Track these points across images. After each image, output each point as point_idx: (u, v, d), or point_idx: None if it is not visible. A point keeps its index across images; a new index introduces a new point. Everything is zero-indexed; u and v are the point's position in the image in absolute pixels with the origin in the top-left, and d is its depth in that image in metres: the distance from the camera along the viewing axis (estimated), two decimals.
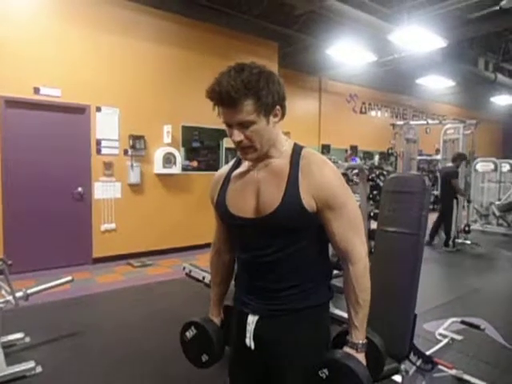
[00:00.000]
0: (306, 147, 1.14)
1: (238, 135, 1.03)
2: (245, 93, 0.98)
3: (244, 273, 1.20)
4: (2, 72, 4.37)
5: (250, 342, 1.15)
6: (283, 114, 1.09)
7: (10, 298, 2.61)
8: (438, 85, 10.15)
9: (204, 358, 1.27)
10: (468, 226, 6.82)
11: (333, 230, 1.08)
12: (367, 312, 1.10)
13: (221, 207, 1.17)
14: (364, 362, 1.07)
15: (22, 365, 2.44)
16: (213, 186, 1.23)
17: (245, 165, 1.17)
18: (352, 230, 1.08)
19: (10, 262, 2.54)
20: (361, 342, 1.09)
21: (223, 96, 0.99)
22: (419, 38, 6.15)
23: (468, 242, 6.61)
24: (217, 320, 1.32)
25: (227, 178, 1.19)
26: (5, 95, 4.40)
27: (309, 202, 1.05)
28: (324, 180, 1.05)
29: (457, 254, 6.19)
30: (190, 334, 1.28)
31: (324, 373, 1.06)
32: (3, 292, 2.66)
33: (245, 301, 1.18)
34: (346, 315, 1.15)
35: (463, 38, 7.21)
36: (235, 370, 1.26)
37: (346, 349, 1.09)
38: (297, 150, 1.11)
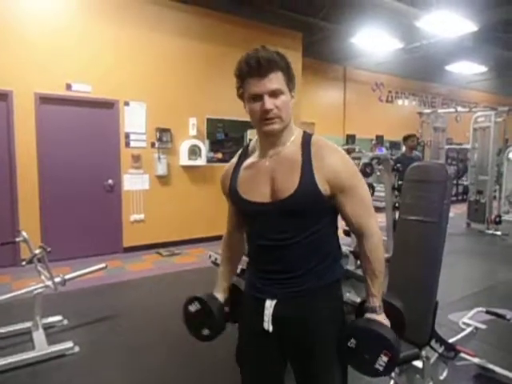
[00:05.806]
0: (314, 135, 1.20)
1: (270, 103, 1.08)
2: (277, 63, 1.08)
3: (259, 258, 1.24)
4: (37, 70, 4.59)
5: (268, 325, 1.17)
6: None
7: (49, 283, 2.80)
8: (469, 71, 9.77)
9: (205, 332, 1.30)
10: (499, 216, 6.62)
11: (347, 210, 1.15)
12: (382, 281, 1.19)
13: (234, 195, 1.23)
14: (386, 322, 1.16)
15: (61, 345, 2.62)
16: (223, 179, 1.30)
17: (254, 155, 1.22)
18: (364, 208, 1.17)
19: (49, 249, 2.71)
20: (378, 304, 1.17)
21: (260, 64, 1.06)
22: (448, 23, 5.95)
23: (498, 232, 6.43)
24: (221, 296, 1.35)
25: (236, 169, 1.25)
26: (39, 92, 4.62)
27: (323, 186, 1.11)
28: (335, 164, 1.12)
29: (487, 244, 6.03)
30: (193, 308, 1.31)
31: (352, 343, 1.12)
32: (43, 277, 2.85)
33: (260, 287, 1.21)
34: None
35: (496, 21, 6.88)
36: (248, 355, 1.28)
37: (367, 315, 1.17)
38: (306, 138, 1.17)
